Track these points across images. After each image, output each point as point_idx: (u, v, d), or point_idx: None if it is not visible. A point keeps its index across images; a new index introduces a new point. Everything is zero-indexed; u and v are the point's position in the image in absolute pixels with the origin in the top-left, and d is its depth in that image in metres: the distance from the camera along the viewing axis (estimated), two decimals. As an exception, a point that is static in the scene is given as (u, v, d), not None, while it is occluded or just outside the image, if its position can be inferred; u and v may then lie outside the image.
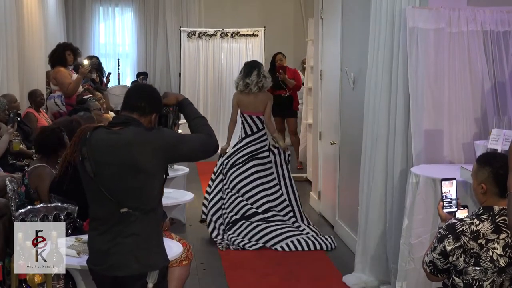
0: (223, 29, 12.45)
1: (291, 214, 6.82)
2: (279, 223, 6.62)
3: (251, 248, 6.36)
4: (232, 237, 6.48)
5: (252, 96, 6.75)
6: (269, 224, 6.56)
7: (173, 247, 4.03)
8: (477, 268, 3.15)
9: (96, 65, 11.05)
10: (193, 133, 3.40)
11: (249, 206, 6.67)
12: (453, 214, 3.44)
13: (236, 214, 6.63)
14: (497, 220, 3.16)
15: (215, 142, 3.39)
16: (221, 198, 6.78)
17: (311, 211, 8.04)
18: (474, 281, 3.17)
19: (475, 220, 3.19)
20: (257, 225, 6.54)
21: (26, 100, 8.13)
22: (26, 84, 8.80)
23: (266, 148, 6.82)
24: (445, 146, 4.81)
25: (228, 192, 6.73)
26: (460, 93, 4.80)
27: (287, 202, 6.83)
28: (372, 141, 5.21)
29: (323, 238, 6.51)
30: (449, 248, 3.18)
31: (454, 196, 3.49)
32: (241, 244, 6.39)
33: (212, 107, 12.59)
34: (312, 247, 6.34)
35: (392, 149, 5.05)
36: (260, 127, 6.80)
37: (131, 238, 3.20)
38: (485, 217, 3.18)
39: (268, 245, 6.39)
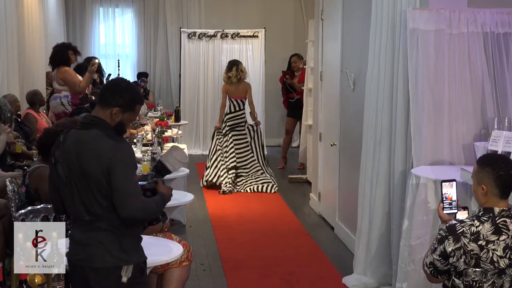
0: (223, 30, 12.45)
1: (259, 168, 9.39)
2: (245, 176, 9.34)
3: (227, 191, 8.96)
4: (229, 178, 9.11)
5: (235, 86, 9.30)
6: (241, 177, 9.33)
7: (173, 248, 4.03)
8: (477, 269, 3.15)
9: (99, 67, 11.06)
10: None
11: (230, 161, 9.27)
12: (453, 215, 3.45)
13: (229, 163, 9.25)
14: (497, 222, 3.17)
15: (140, 213, 3.20)
16: (219, 158, 9.32)
17: (311, 212, 8.05)
18: (474, 283, 3.17)
19: (476, 221, 3.19)
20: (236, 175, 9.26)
21: (25, 100, 8.13)
22: (26, 84, 8.80)
23: (243, 123, 9.42)
24: (445, 147, 4.81)
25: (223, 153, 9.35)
26: (460, 95, 4.81)
27: (256, 162, 9.40)
28: (375, 142, 5.20)
29: (270, 185, 9.11)
30: (449, 249, 3.18)
31: (454, 198, 3.49)
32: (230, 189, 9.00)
33: (212, 108, 12.58)
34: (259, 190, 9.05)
35: (393, 151, 5.05)
36: (241, 107, 9.38)
37: (105, 233, 3.21)
38: (486, 219, 3.18)
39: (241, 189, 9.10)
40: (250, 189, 9.04)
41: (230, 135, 9.33)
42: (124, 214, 3.18)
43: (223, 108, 9.46)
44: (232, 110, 9.38)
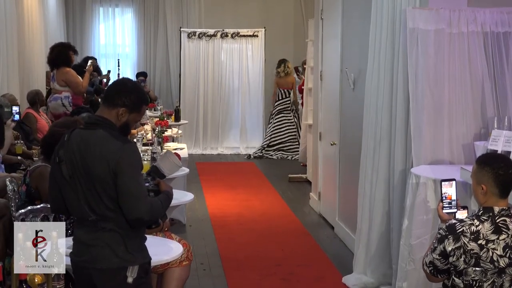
0: (223, 30, 12.46)
1: (296, 145, 11.76)
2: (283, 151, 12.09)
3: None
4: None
5: (283, 79, 11.92)
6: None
7: (173, 248, 4.02)
8: (477, 268, 3.15)
9: (96, 66, 11.09)
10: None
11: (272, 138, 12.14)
12: (453, 215, 3.45)
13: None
14: (497, 221, 3.17)
15: (148, 214, 3.18)
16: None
17: (311, 212, 8.05)
18: (474, 282, 3.17)
19: (475, 220, 3.19)
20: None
21: (26, 100, 8.13)
22: (26, 84, 8.81)
23: (289, 108, 12.00)
24: (445, 147, 4.81)
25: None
26: (460, 94, 4.80)
27: (296, 141, 11.86)
28: (375, 142, 5.20)
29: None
30: (449, 248, 3.18)
31: (454, 197, 3.49)
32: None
33: (212, 107, 12.60)
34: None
35: (393, 150, 5.05)
36: (287, 95, 11.96)
37: (110, 233, 3.20)
38: (485, 218, 3.18)
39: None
40: (277, 157, 11.85)
41: (276, 117, 11.99)
42: (132, 217, 3.17)
43: (274, 96, 12.07)
44: (280, 98, 11.92)
